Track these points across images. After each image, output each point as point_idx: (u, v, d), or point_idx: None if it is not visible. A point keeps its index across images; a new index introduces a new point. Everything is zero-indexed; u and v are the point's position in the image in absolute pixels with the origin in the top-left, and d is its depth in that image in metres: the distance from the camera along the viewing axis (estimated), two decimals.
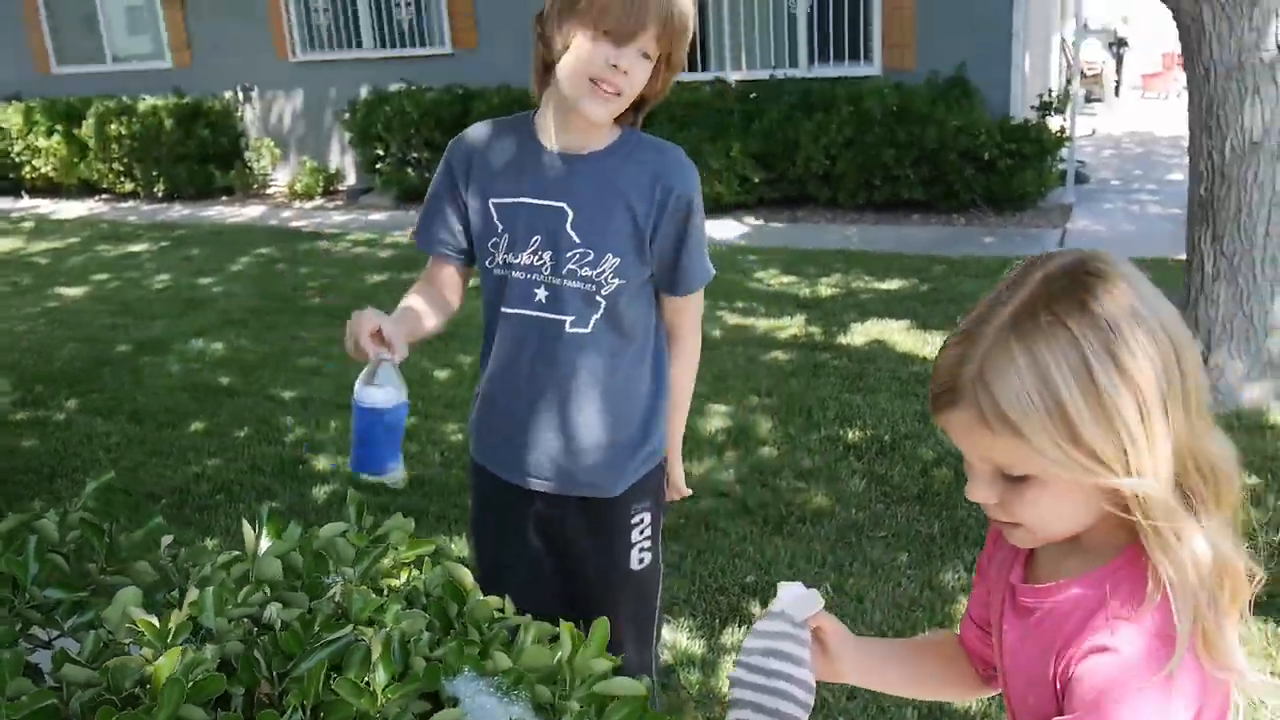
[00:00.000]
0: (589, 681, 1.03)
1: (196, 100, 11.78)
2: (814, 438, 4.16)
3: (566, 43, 1.68)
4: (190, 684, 0.94)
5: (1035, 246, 7.66)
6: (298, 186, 11.65)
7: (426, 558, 1.30)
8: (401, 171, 10.67)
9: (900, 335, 5.39)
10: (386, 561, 1.25)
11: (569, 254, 1.80)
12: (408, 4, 11.32)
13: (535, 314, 1.85)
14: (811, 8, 9.80)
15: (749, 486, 3.76)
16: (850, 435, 4.16)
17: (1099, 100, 16.37)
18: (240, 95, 12.10)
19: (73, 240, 9.95)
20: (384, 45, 11.52)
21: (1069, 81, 15.98)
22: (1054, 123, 9.14)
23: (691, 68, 10.20)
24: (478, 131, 1.91)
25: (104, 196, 12.52)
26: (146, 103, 11.72)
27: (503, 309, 1.87)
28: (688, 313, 1.97)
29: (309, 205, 11.36)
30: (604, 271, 1.80)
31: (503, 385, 1.94)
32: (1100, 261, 0.98)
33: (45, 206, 12.28)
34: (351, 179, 11.88)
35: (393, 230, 9.52)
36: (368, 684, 0.97)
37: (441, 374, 5.20)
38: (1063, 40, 12.89)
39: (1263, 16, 3.95)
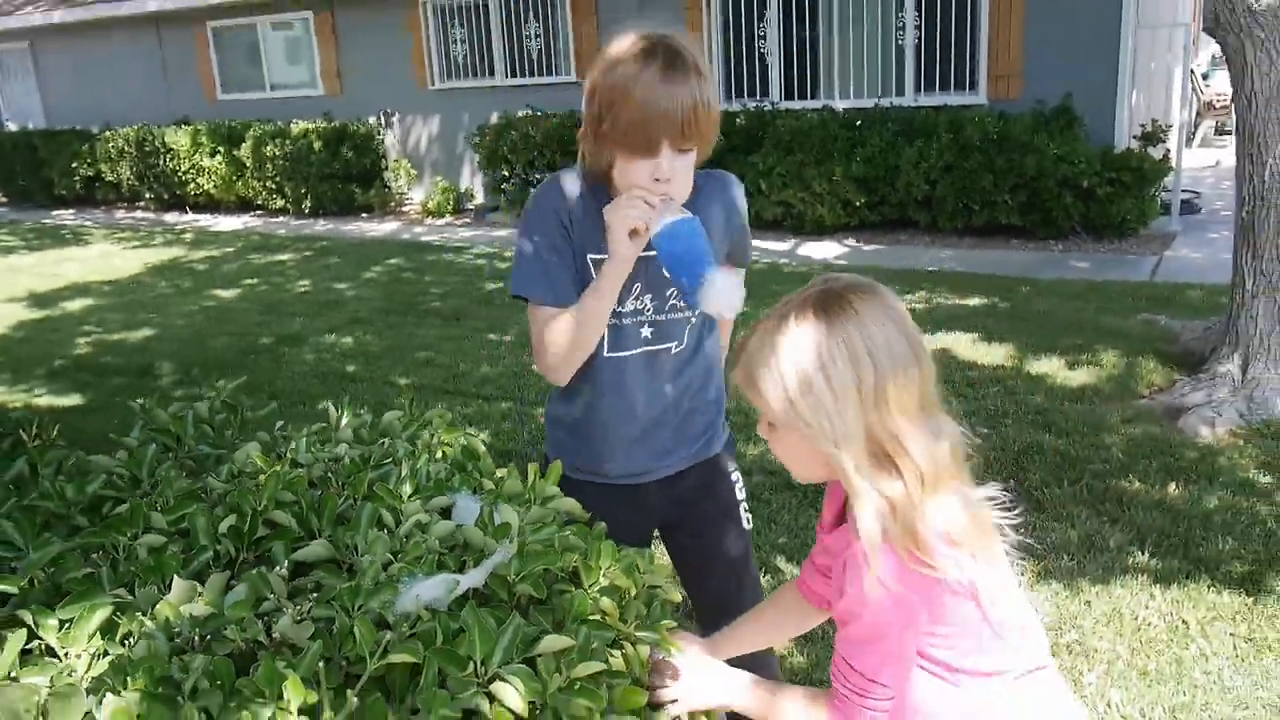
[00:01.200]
0: (543, 500, 1.52)
1: (343, 124, 12.82)
2: None
3: (610, 160, 1.79)
4: (282, 483, 1.47)
5: (1129, 272, 7.80)
6: (430, 204, 12.54)
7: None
8: (525, 191, 11.40)
9: (965, 346, 5.70)
10: (426, 434, 1.76)
11: (668, 293, 1.93)
12: (537, 35, 12.11)
13: (642, 350, 1.96)
14: (920, 40, 10.12)
15: None
16: None
17: (1230, 132, 16.03)
18: (382, 120, 13.10)
19: (228, 250, 11.02)
20: (514, 75, 12.34)
21: (1198, 114, 15.79)
22: (1159, 152, 9.20)
23: (800, 96, 10.69)
24: (568, 189, 1.91)
25: (258, 212, 13.72)
26: (299, 126, 12.82)
27: (606, 355, 1.95)
28: None
29: (440, 222, 12.22)
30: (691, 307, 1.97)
31: (614, 415, 1.99)
32: (858, 286, 1.34)
33: (205, 220, 13.53)
34: (480, 198, 12.71)
35: (512, 245, 10.21)
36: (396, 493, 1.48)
37: None
38: (1191, 72, 12.78)
39: None
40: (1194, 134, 15.42)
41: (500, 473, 1.65)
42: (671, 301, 1.94)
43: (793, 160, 9.66)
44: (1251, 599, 3.15)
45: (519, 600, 1.27)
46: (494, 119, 11.80)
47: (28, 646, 1.11)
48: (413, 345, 6.45)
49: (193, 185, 13.84)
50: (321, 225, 12.42)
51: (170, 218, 13.98)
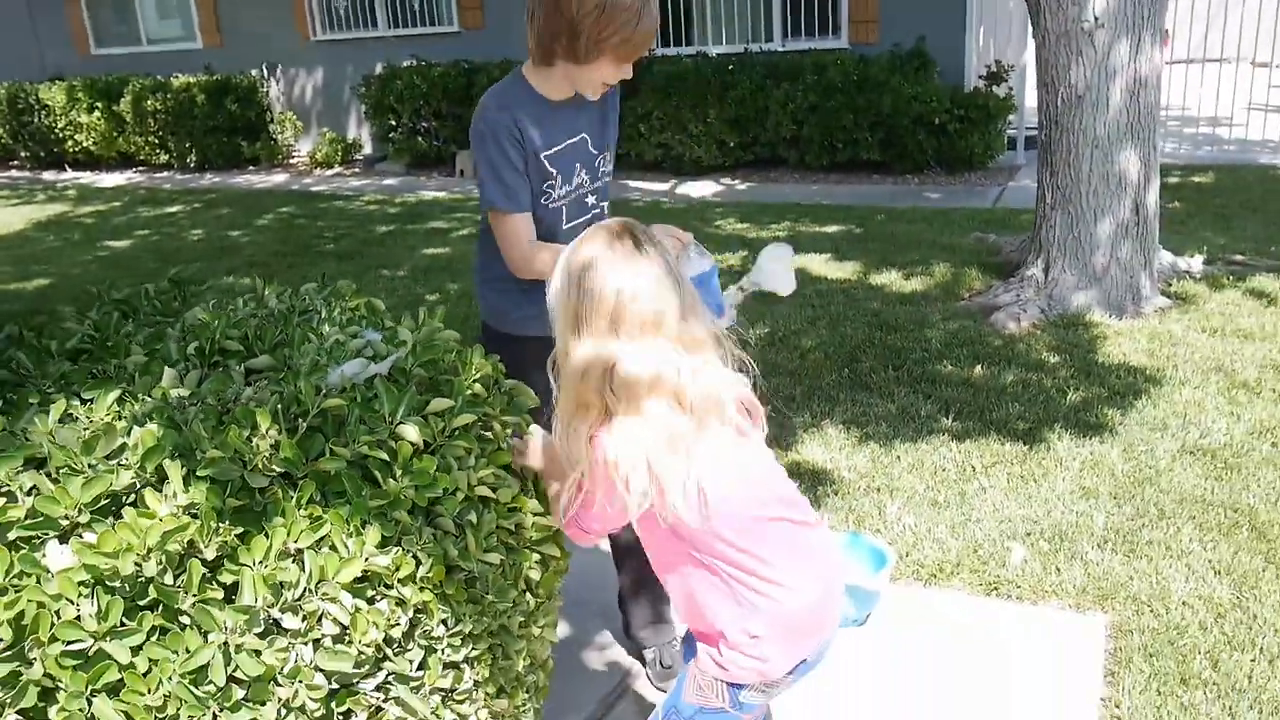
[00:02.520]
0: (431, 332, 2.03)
1: (225, 77, 12.83)
2: None
3: (590, 58, 2.22)
4: (230, 323, 1.94)
5: (976, 201, 8.56)
6: (318, 156, 12.70)
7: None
8: (412, 140, 11.68)
9: (818, 264, 6.36)
10: (336, 299, 2.25)
11: (595, 164, 2.47)
12: None
13: (589, 217, 2.46)
14: None
15: None
16: (752, 332, 5.14)
17: None
18: (265, 72, 13.14)
19: (115, 204, 11.05)
20: (397, 25, 12.53)
21: None
22: (1003, 91, 9.99)
23: (676, 42, 11.17)
24: (505, 102, 2.33)
25: (141, 168, 13.64)
26: (179, 80, 12.79)
27: (564, 227, 2.43)
28: None
29: (329, 173, 12.40)
30: (609, 162, 2.57)
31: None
32: (611, 226, 1.72)
33: (86, 177, 13.40)
34: (368, 148, 12.91)
35: (403, 192, 10.54)
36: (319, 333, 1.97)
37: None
38: None
39: None
40: None
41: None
42: (600, 170, 2.49)
43: (670, 104, 10.17)
44: (1028, 447, 3.85)
45: (416, 381, 1.78)
46: (379, 70, 12.00)
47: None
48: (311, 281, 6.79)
49: (70, 142, 13.65)
50: (209, 179, 12.48)
51: (49, 175, 13.79)
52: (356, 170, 12.44)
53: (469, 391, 1.79)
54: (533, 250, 2.37)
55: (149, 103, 12.74)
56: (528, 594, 1.93)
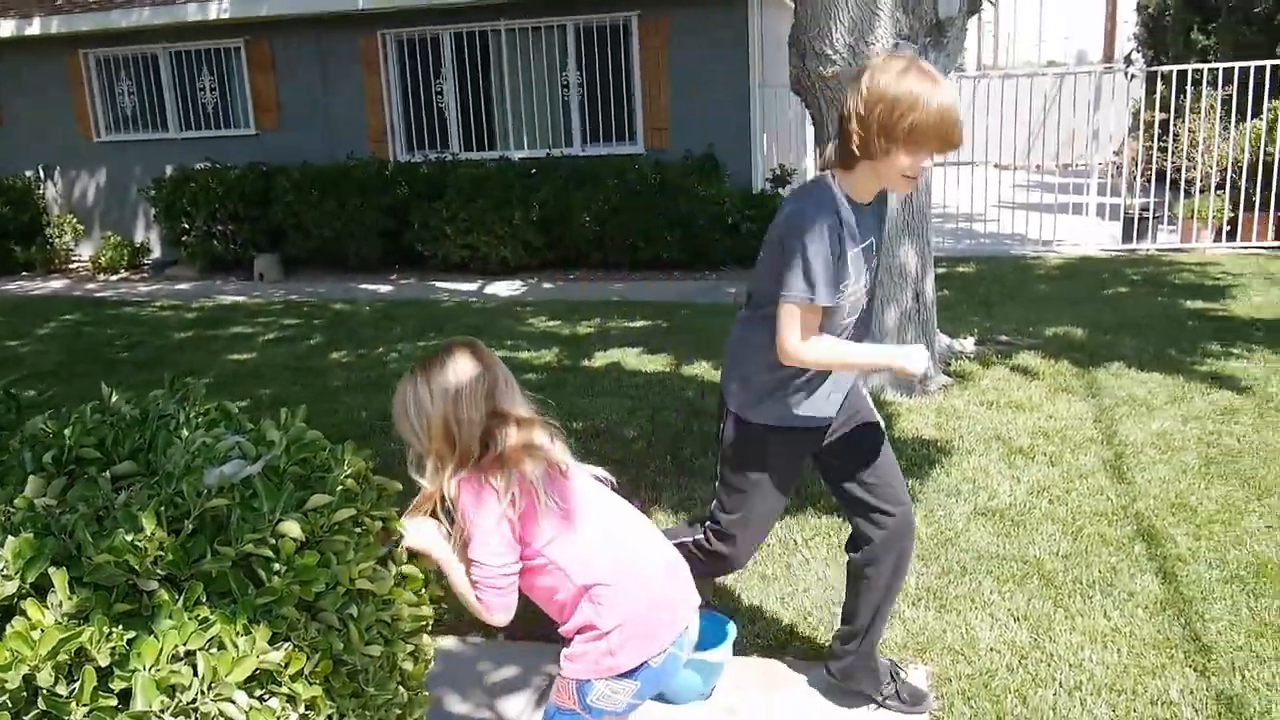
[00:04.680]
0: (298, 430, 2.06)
1: None
2: None
3: (886, 151, 2.34)
4: (85, 429, 1.92)
5: None
6: (102, 260, 12.10)
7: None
8: (208, 243, 11.34)
9: (632, 358, 6.62)
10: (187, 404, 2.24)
11: (872, 264, 2.58)
12: (213, 89, 12.10)
13: (860, 314, 2.61)
14: (584, 97, 11.20)
15: None
16: (575, 425, 5.30)
17: None
18: (41, 173, 12.49)
19: None
20: (188, 128, 12.23)
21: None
22: (788, 192, 10.76)
23: (479, 148, 11.43)
24: (825, 203, 2.45)
25: None
26: None
27: (843, 322, 2.55)
28: None
29: (114, 278, 11.83)
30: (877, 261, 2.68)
31: (825, 376, 2.62)
32: (452, 345, 2.16)
33: None
34: (157, 252, 12.42)
35: (199, 297, 10.19)
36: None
37: None
38: None
39: None
40: None
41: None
42: (873, 267, 2.61)
43: (475, 206, 10.37)
44: (842, 519, 4.12)
45: (290, 478, 1.82)
46: (169, 172, 11.65)
47: None
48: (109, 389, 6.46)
49: None
50: None
51: None
52: (145, 275, 11.93)
53: (342, 487, 1.84)
54: (815, 341, 2.49)
55: None
56: (401, 686, 1.96)
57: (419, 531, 2.09)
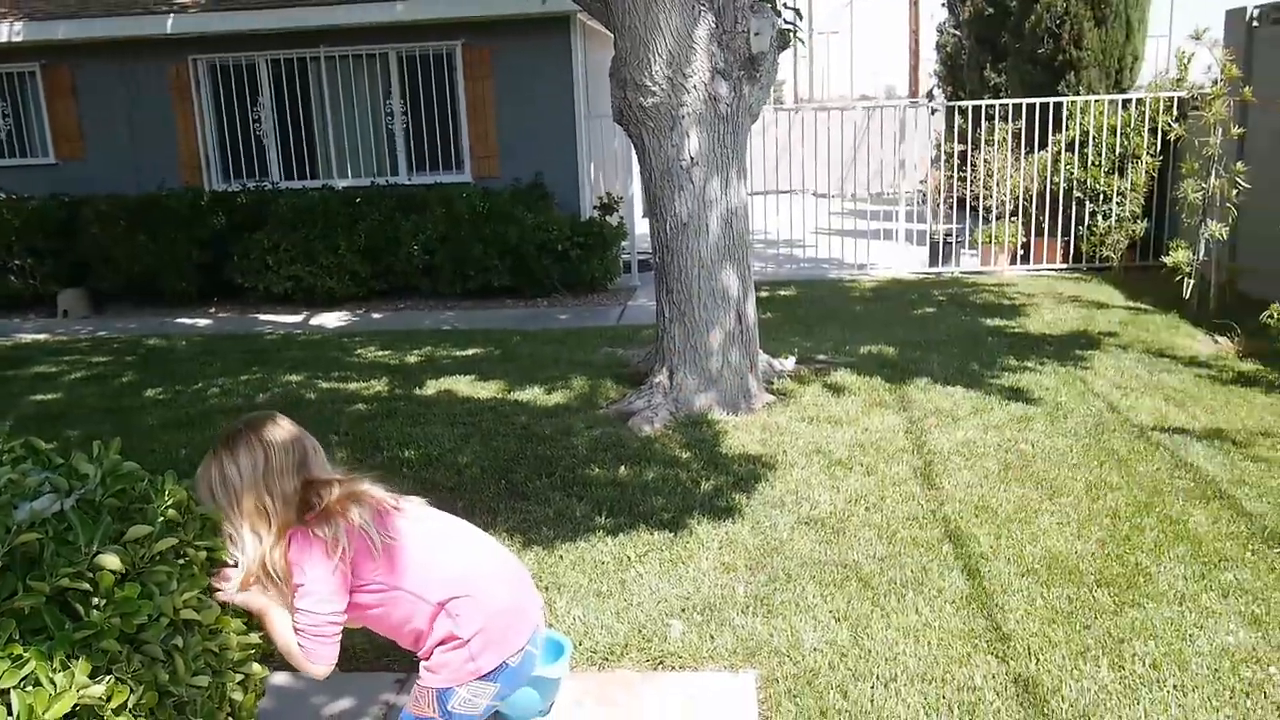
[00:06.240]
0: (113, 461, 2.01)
1: None
2: (379, 458, 5.21)
3: None
4: None
5: (601, 319, 9.25)
6: None
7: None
8: (3, 279, 10.61)
9: (464, 385, 6.61)
10: None
11: None
12: (6, 115, 11.38)
13: None
14: (409, 126, 11.11)
15: None
16: (407, 454, 5.26)
17: None
18: None
19: None
20: None
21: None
22: (614, 220, 10.96)
23: (300, 176, 11.17)
24: None
25: None
26: None
27: None
28: None
29: None
30: None
31: None
32: (254, 420, 2.21)
33: None
34: None
35: None
36: None
37: None
38: None
39: (680, 136, 5.61)
40: None
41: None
42: None
43: (298, 236, 10.11)
44: (673, 534, 4.26)
45: (108, 510, 1.78)
46: None
47: None
48: None
49: None
50: None
51: None
52: None
53: (163, 518, 1.81)
54: None
55: None
56: (230, 718, 1.93)
57: (235, 586, 2.08)
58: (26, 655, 1.47)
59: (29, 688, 1.45)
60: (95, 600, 1.59)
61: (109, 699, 1.52)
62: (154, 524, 1.75)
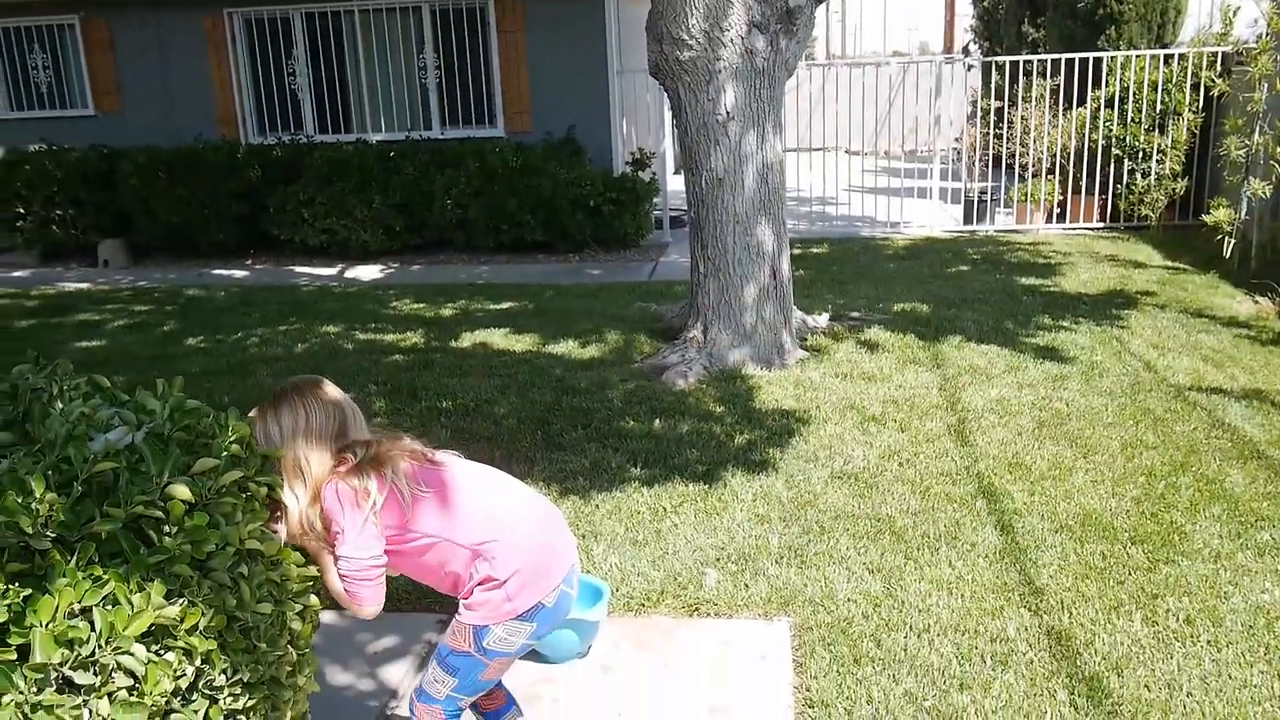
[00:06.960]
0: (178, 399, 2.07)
1: None
2: (417, 408, 5.29)
3: None
4: None
5: (633, 275, 9.27)
6: None
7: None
8: (46, 229, 10.77)
9: (499, 338, 6.67)
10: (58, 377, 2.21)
11: None
12: (46, 67, 11.48)
13: None
14: (441, 80, 11.11)
15: None
16: (444, 404, 5.33)
17: None
18: None
19: None
20: (20, 107, 11.58)
21: None
22: (647, 175, 10.93)
23: (335, 130, 11.21)
24: None
25: None
26: None
27: None
28: None
29: None
30: None
31: None
32: (299, 384, 2.29)
33: None
34: None
35: (38, 284, 9.69)
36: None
37: None
38: None
39: (716, 90, 5.60)
40: None
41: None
42: None
43: (333, 189, 10.17)
44: (708, 486, 4.32)
45: (176, 444, 1.84)
46: (0, 154, 11.00)
47: None
48: None
49: None
50: None
51: None
52: None
53: (228, 452, 1.88)
54: None
55: None
56: (290, 645, 2.01)
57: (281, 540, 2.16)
58: (106, 576, 1.54)
59: (109, 606, 1.52)
60: (166, 528, 1.66)
61: (182, 620, 1.59)
62: (219, 458, 1.81)
